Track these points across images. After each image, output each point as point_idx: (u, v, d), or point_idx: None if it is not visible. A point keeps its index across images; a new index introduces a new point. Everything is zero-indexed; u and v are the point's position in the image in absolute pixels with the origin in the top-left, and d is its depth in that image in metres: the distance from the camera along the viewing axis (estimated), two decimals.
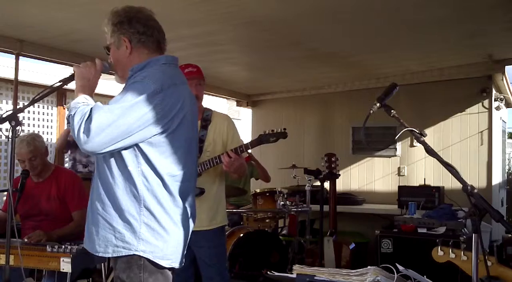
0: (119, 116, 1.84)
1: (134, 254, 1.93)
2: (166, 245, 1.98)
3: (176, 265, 2.04)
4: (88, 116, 1.84)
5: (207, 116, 3.10)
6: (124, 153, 1.93)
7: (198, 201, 2.92)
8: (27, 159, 3.39)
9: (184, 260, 2.11)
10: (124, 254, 1.94)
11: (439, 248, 2.06)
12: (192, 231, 2.90)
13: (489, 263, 1.89)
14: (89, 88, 2.02)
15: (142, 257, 1.94)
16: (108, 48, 2.11)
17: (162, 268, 1.99)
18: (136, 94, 1.88)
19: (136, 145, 1.93)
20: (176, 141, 2.01)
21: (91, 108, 1.87)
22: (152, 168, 1.96)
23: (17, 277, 2.53)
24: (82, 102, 1.92)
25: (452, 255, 2.01)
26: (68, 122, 1.95)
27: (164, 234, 1.97)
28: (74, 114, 1.88)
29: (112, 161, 1.95)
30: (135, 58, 2.05)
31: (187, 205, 2.10)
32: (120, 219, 1.94)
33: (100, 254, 1.98)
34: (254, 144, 2.95)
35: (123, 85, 2.08)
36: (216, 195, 3.10)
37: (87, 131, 1.82)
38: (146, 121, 1.88)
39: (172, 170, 2.01)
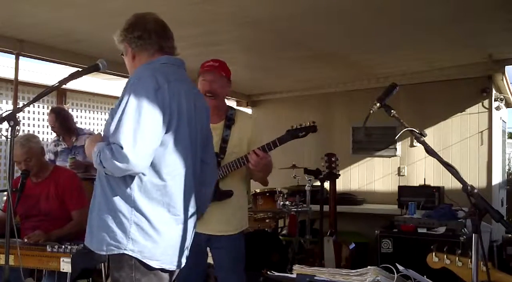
0: (138, 125, 1.87)
1: (124, 253, 1.96)
2: (155, 245, 1.99)
3: (166, 266, 2.04)
4: (112, 147, 1.85)
5: (230, 116, 2.97)
6: None
7: (223, 203, 2.86)
8: (23, 160, 3.38)
9: (180, 262, 2.10)
10: (115, 253, 1.98)
11: (433, 254, 2.06)
12: (216, 235, 2.85)
13: (484, 269, 1.88)
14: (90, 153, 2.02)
15: (132, 257, 1.96)
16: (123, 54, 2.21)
17: (153, 268, 2.00)
18: (139, 98, 1.90)
19: None
20: (176, 139, 2.02)
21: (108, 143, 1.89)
22: (150, 168, 1.97)
23: (17, 277, 2.53)
24: (95, 151, 1.92)
25: (447, 261, 2.01)
26: (106, 174, 1.96)
27: (154, 235, 1.98)
28: (101, 162, 1.88)
29: None
30: (137, 62, 2.13)
31: (188, 205, 2.10)
32: (114, 218, 1.97)
33: (97, 251, 2.03)
34: (282, 140, 2.81)
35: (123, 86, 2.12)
36: (241, 197, 3.02)
37: (121, 155, 1.83)
38: (158, 121, 1.93)
39: (172, 170, 2.02)
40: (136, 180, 1.96)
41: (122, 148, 1.83)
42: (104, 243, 1.99)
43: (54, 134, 5.15)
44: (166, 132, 1.98)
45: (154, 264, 2.00)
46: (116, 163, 1.84)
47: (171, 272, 2.10)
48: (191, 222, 2.14)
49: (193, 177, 2.14)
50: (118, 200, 1.97)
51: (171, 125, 1.99)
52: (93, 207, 2.08)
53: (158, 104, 1.92)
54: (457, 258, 1.99)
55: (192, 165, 2.13)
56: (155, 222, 1.99)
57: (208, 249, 3.01)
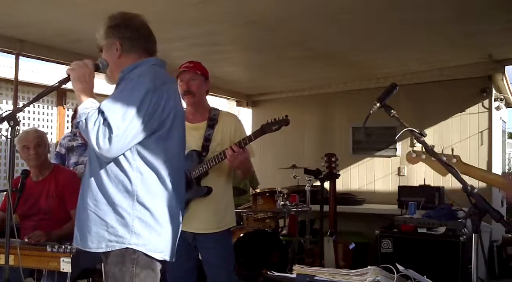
0: (131, 120, 1.91)
1: (127, 247, 1.97)
2: (159, 238, 2.03)
3: (167, 258, 2.09)
4: (104, 123, 1.88)
5: (214, 116, 3.05)
6: (127, 152, 1.98)
7: (206, 201, 2.92)
8: (33, 145, 3.43)
9: (174, 254, 2.14)
10: (117, 248, 1.98)
11: (412, 150, 2.12)
12: (200, 233, 2.93)
13: (454, 160, 1.96)
14: (89, 90, 2.04)
15: (137, 250, 1.97)
16: (101, 49, 2.19)
17: (154, 261, 2.03)
18: (137, 94, 1.95)
19: (138, 144, 1.99)
20: (171, 138, 2.09)
21: (102, 113, 1.91)
22: (148, 164, 2.01)
23: (17, 277, 2.52)
24: (90, 107, 1.95)
25: (423, 156, 2.05)
26: (76, 127, 1.98)
27: (158, 228, 2.02)
28: (86, 120, 1.90)
29: (112, 160, 1.98)
30: (124, 62, 2.14)
31: (180, 201, 2.16)
32: (113, 214, 1.98)
33: (93, 250, 2.01)
34: (256, 134, 2.86)
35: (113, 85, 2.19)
36: (224, 195, 3.05)
37: (108, 140, 1.87)
38: (149, 119, 1.97)
39: (167, 166, 2.07)
40: (138, 174, 1.99)
41: (112, 131, 1.86)
42: (103, 240, 1.99)
43: (54, 134, 5.11)
44: (163, 131, 2.04)
45: (158, 256, 2.03)
46: (99, 134, 1.86)
47: (164, 264, 2.14)
48: (181, 217, 2.20)
49: (183, 171, 2.24)
50: (118, 196, 1.98)
51: (166, 124, 2.05)
52: (83, 206, 2.05)
53: (152, 104, 1.97)
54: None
55: (183, 161, 2.23)
56: (158, 215, 2.02)
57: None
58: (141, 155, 2.00)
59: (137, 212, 1.98)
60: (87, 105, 1.96)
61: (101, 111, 1.91)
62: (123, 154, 1.97)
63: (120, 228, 1.97)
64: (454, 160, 1.95)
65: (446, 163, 1.78)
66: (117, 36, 2.13)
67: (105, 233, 1.98)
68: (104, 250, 2.00)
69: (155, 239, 2.01)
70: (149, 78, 2.01)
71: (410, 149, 2.09)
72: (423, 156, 2.03)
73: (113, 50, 2.14)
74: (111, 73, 2.19)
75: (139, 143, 1.99)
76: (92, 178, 2.03)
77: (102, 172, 2.00)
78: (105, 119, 1.89)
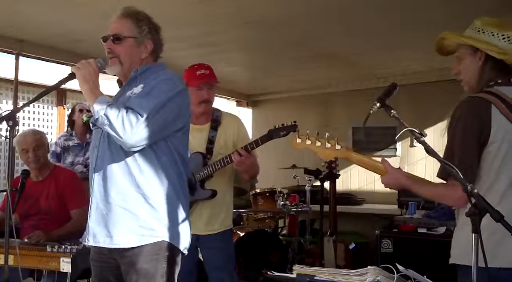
0: (158, 111, 1.95)
1: (162, 241, 2.00)
2: (183, 231, 2.09)
3: (186, 252, 2.14)
4: (128, 112, 1.91)
5: (216, 117, 3.04)
6: (155, 145, 2.03)
7: (209, 203, 2.94)
8: (32, 148, 3.42)
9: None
10: (151, 242, 1.99)
11: (296, 136, 2.11)
12: (203, 235, 2.96)
13: (338, 147, 2.03)
14: (96, 88, 2.04)
15: (170, 245, 2.01)
16: (117, 37, 2.13)
17: (180, 255, 2.09)
18: (168, 91, 2.03)
19: (164, 139, 2.05)
20: (186, 138, 2.19)
21: (126, 105, 1.96)
22: (172, 160, 2.08)
23: (17, 277, 2.52)
24: (106, 103, 1.95)
25: (308, 142, 2.06)
26: (94, 125, 2.01)
27: (183, 222, 2.09)
28: (106, 115, 1.90)
29: (140, 152, 2.02)
30: (144, 62, 2.19)
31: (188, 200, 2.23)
32: (144, 207, 2.00)
33: (121, 246, 2.00)
34: (264, 139, 2.82)
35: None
36: (226, 196, 3.06)
37: (136, 124, 1.89)
38: (175, 117, 2.04)
39: (182, 165, 2.15)
40: (166, 169, 2.05)
41: (141, 115, 1.90)
42: (133, 234, 1.98)
43: (53, 134, 5.12)
44: (183, 131, 2.13)
45: (182, 248, 2.09)
46: (124, 122, 1.88)
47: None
48: None
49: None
50: (152, 189, 2.01)
51: (186, 124, 2.15)
52: (105, 201, 2.02)
53: (179, 104, 2.06)
54: (316, 139, 2.06)
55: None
56: (183, 209, 2.10)
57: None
58: (167, 150, 2.06)
59: (169, 206, 2.03)
60: (103, 102, 1.96)
61: (124, 106, 1.95)
62: (152, 148, 2.01)
63: (153, 221, 1.99)
64: (339, 147, 2.02)
65: (446, 163, 1.78)
66: (152, 39, 2.18)
67: (135, 227, 1.98)
68: (136, 245, 1.98)
69: (183, 232, 2.07)
70: (179, 81, 2.13)
71: (296, 135, 2.08)
72: (308, 142, 2.04)
73: (140, 47, 2.16)
74: (126, 67, 2.17)
75: (165, 139, 2.04)
76: (116, 171, 2.02)
77: (131, 165, 2.01)
78: (128, 109, 1.92)
